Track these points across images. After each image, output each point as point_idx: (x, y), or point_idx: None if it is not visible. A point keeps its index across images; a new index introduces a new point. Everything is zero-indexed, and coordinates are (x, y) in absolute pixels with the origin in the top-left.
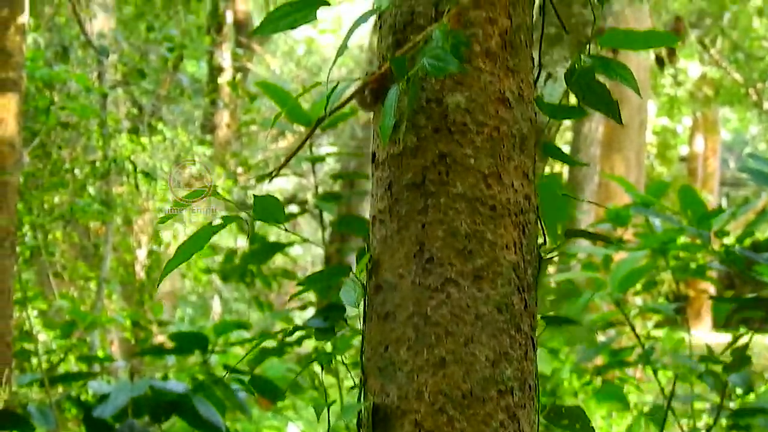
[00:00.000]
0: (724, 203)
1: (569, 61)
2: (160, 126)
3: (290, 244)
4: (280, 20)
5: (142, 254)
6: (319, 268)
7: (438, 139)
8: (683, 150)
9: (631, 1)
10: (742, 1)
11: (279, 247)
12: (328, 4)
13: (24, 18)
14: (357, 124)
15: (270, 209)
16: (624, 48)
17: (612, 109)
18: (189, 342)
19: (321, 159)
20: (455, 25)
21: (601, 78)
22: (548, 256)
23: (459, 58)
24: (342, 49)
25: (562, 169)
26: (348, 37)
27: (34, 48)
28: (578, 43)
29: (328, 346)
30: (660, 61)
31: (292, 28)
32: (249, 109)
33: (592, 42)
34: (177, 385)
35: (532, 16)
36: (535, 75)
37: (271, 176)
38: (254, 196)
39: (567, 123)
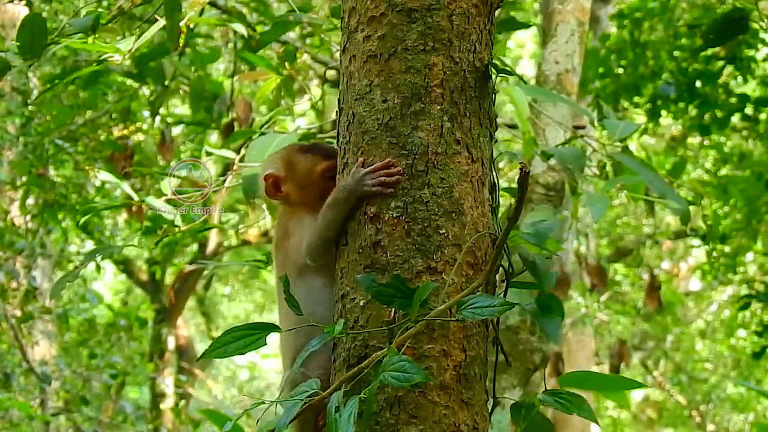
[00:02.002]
0: None
1: (517, 388)
2: None
3: None
4: (229, 345)
5: None
6: None
7: None
8: None
9: (574, 324)
10: (685, 324)
11: None
12: (279, 330)
13: None
14: None
15: None
16: (589, 390)
17: None
18: None
19: None
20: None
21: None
22: None
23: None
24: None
25: None
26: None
27: None
28: (525, 371)
29: None
30: None
31: (241, 354)
32: None
33: (540, 369)
34: None
35: (486, 348)
36: (490, 406)
37: None
38: None
39: None
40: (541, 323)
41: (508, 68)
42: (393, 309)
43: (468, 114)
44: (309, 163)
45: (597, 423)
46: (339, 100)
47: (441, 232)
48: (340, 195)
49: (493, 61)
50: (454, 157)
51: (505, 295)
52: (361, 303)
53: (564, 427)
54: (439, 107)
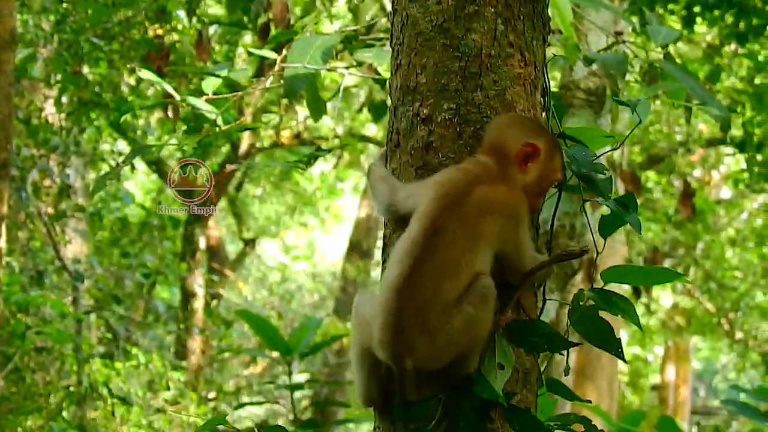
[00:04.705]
0: None
1: (555, 292)
2: (134, 351)
3: None
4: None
5: None
6: None
7: None
8: (655, 379)
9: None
10: (715, 232)
11: None
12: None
13: (0, 243)
14: (330, 352)
15: None
16: (632, 284)
17: (615, 347)
18: None
19: (300, 387)
20: None
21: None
22: None
23: None
24: None
25: None
26: None
27: (8, 273)
28: (563, 275)
29: None
30: (637, 291)
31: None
32: (224, 336)
33: (579, 273)
34: None
35: (535, 248)
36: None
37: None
38: (260, 426)
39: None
40: (629, 220)
41: None
42: None
43: (522, 17)
44: (559, 164)
45: (640, 327)
46: (392, 1)
47: None
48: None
49: None
50: (508, 59)
51: (558, 199)
52: None
53: (594, 362)
54: (493, 9)
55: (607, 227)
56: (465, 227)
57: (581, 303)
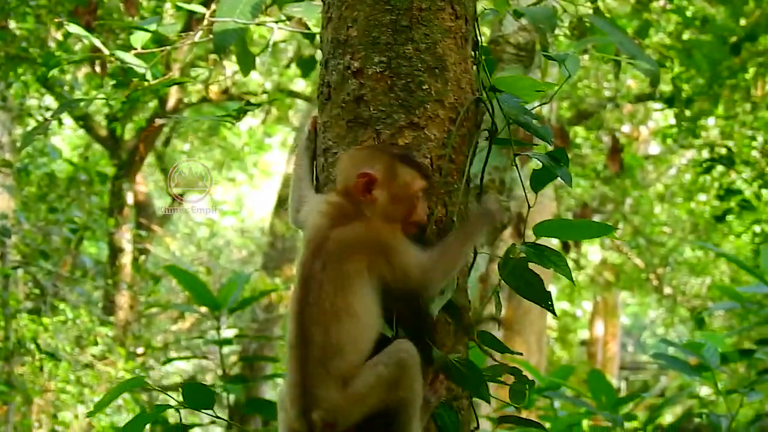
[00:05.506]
0: (623, 387)
1: (485, 246)
2: (62, 306)
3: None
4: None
5: None
6: None
7: None
8: (583, 334)
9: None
10: (644, 188)
11: None
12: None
13: None
14: (258, 307)
15: (200, 395)
16: (562, 239)
17: (545, 300)
18: None
19: (228, 342)
20: None
21: None
22: None
23: None
24: None
25: None
26: None
27: None
28: (494, 229)
29: None
30: (566, 246)
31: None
32: (152, 291)
33: (510, 227)
34: None
35: (466, 204)
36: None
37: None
38: (183, 382)
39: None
40: (559, 174)
41: None
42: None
43: None
44: (409, 176)
45: (572, 280)
46: None
47: (424, 87)
48: (480, 224)
49: None
50: (438, 13)
51: (488, 152)
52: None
53: (523, 317)
54: None
55: (537, 181)
56: (328, 272)
57: (512, 257)
